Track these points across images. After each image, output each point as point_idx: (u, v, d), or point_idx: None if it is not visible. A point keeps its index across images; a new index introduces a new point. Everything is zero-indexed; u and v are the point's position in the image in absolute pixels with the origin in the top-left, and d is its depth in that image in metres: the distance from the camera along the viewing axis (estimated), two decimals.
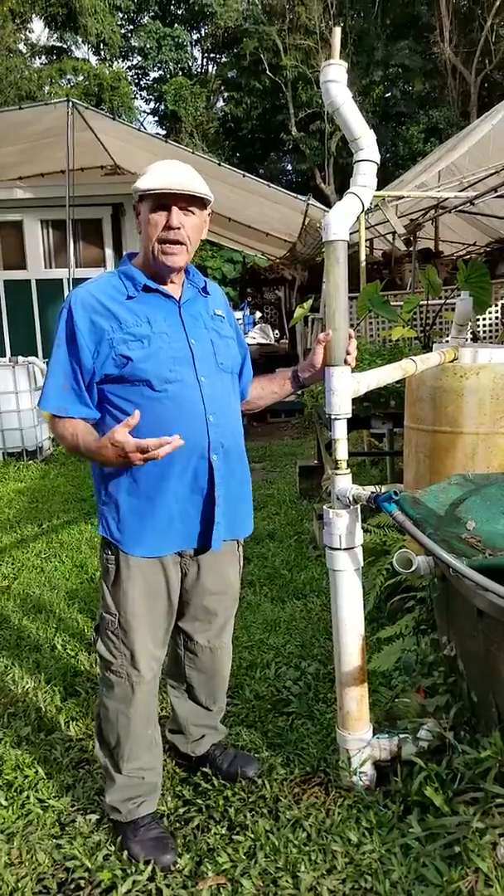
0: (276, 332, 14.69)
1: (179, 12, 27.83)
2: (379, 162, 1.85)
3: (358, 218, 2.20)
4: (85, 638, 3.06)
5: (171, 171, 1.69)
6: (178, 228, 1.67)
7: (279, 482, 5.83)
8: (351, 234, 2.16)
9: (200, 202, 1.71)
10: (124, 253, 9.40)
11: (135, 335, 1.69)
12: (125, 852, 1.79)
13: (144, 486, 1.73)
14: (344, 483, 1.88)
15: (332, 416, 1.87)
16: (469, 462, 2.82)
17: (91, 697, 2.55)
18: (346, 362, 1.86)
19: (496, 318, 6.22)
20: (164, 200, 1.66)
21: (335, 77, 1.81)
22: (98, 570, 3.83)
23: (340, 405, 1.86)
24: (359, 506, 1.88)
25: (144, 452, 1.55)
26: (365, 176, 1.85)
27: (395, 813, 1.81)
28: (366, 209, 1.87)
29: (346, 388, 1.86)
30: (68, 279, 8.28)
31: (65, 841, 1.86)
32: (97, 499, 1.84)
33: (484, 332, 6.18)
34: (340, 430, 1.89)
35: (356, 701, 1.94)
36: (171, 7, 27.86)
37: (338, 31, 1.82)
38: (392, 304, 4.85)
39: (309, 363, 1.92)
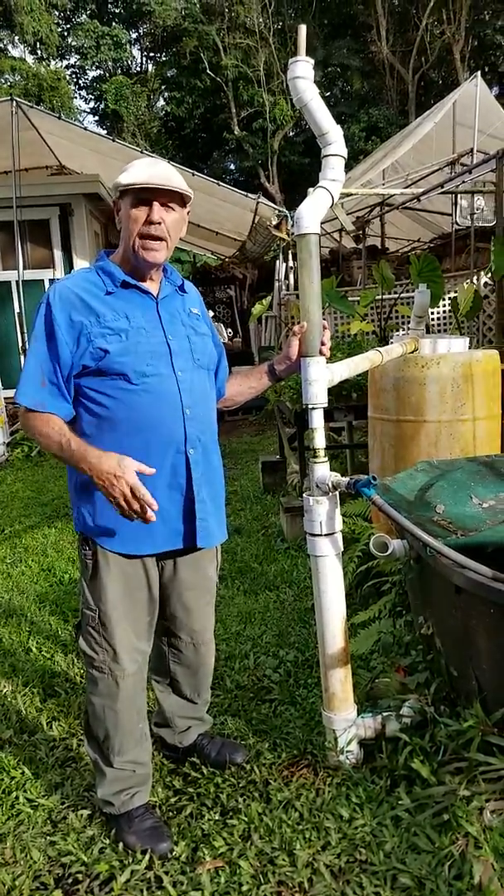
0: (230, 330, 14.74)
1: (117, 11, 27.55)
2: (346, 156, 1.90)
3: None
4: (59, 639, 3.04)
5: (152, 166, 1.71)
6: (160, 223, 1.69)
7: (242, 479, 5.87)
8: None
9: (180, 199, 1.74)
10: (75, 254, 9.24)
11: (112, 329, 1.70)
12: (120, 844, 1.80)
13: None
14: (322, 470, 1.92)
15: (310, 406, 1.91)
16: (433, 449, 2.91)
17: (71, 697, 2.54)
18: (321, 353, 1.90)
19: (446, 311, 6.39)
20: (146, 195, 1.68)
21: (302, 73, 1.84)
22: (66, 573, 3.83)
23: (317, 394, 1.90)
24: (338, 492, 1.92)
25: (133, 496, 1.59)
26: (334, 170, 1.89)
27: (383, 787, 1.87)
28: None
29: (322, 377, 1.90)
30: (17, 281, 8.14)
31: (58, 837, 1.86)
32: (71, 495, 1.83)
33: (435, 324, 6.34)
34: (318, 420, 1.93)
35: (341, 682, 1.99)
36: (109, 6, 27.57)
37: (303, 28, 1.86)
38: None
39: (285, 355, 1.96)
